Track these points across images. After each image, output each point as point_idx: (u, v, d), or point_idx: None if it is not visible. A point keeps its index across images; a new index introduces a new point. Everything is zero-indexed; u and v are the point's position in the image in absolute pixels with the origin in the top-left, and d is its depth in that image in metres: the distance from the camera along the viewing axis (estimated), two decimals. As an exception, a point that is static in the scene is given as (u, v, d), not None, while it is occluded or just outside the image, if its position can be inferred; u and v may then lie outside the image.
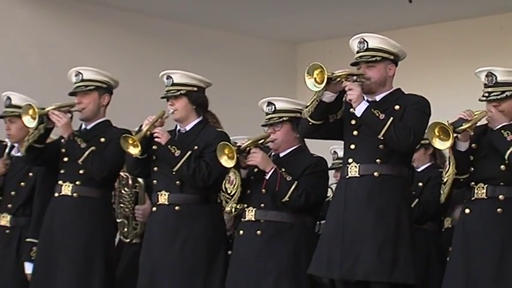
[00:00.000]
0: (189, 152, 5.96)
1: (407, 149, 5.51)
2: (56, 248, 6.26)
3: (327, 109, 5.49)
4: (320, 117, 5.51)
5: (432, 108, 5.53)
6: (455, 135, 5.23)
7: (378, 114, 5.38)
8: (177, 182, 6.03)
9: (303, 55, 10.40)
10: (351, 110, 5.49)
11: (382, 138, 5.38)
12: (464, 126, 5.24)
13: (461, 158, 5.34)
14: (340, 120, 5.59)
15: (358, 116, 5.43)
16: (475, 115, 5.37)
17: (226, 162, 5.77)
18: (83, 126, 6.42)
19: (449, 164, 5.34)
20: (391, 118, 5.37)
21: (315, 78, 5.37)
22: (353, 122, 5.52)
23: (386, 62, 5.54)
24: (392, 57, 5.55)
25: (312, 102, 5.49)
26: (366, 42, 5.53)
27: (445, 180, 5.36)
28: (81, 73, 6.37)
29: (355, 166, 5.50)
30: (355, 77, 5.46)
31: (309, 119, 5.52)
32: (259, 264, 5.81)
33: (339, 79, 5.41)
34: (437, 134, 5.22)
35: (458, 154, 5.32)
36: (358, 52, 5.55)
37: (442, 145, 5.27)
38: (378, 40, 5.54)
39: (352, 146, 5.54)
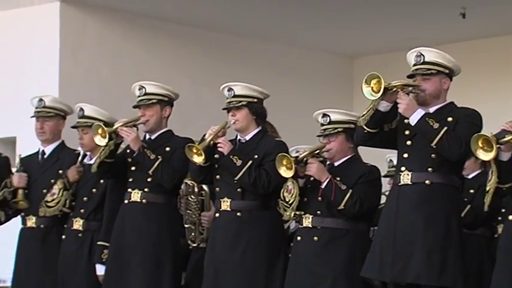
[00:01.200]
0: (250, 162, 6.01)
1: (459, 158, 5.51)
2: (126, 251, 6.34)
3: (382, 118, 5.54)
4: (375, 126, 5.55)
5: (484, 121, 5.56)
6: (498, 146, 5.18)
7: (432, 124, 5.40)
8: (239, 189, 6.08)
9: (360, 69, 10.35)
10: (405, 120, 5.52)
11: (434, 146, 5.40)
12: (507, 138, 5.19)
13: (503, 167, 5.28)
14: (395, 129, 5.62)
15: (413, 124, 5.46)
16: None
17: (285, 172, 5.81)
18: (147, 137, 6.50)
19: (491, 173, 5.30)
20: (445, 128, 5.39)
21: (372, 88, 5.41)
22: (407, 132, 5.55)
23: (441, 76, 5.56)
24: (447, 71, 5.58)
25: (368, 110, 5.54)
26: (423, 55, 5.56)
27: (487, 189, 5.32)
28: (144, 87, 6.45)
29: (408, 174, 5.53)
30: (410, 88, 5.49)
31: (365, 127, 5.56)
32: (316, 268, 5.85)
33: (395, 89, 5.46)
34: (481, 145, 5.19)
35: (500, 164, 5.27)
36: (414, 65, 5.58)
37: (486, 156, 5.21)
38: (434, 54, 5.58)
39: (405, 155, 5.58)
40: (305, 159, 5.88)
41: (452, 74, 5.65)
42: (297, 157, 5.86)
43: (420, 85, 5.54)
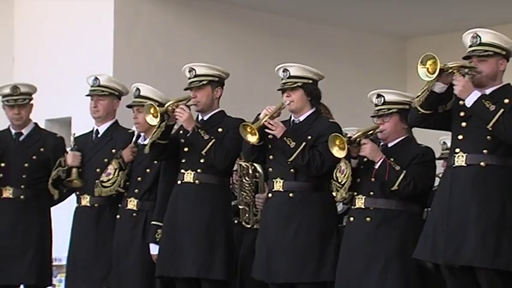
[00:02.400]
0: (304, 143, 6.00)
1: None
2: (180, 231, 6.36)
3: (437, 99, 5.49)
4: (430, 107, 5.51)
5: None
6: None
7: (488, 106, 5.34)
8: (291, 170, 6.07)
9: (413, 50, 10.28)
10: (460, 102, 5.46)
11: (490, 129, 5.33)
12: None
13: None
14: (449, 111, 5.56)
15: (469, 106, 5.40)
16: None
17: (338, 152, 5.79)
18: (200, 117, 6.50)
19: None
20: (501, 110, 5.32)
21: (428, 69, 5.36)
22: (462, 113, 5.49)
23: (498, 57, 5.49)
24: (504, 52, 5.51)
25: (423, 92, 5.50)
26: (479, 37, 5.49)
27: None
28: (194, 69, 6.45)
29: (462, 156, 5.48)
30: (466, 70, 5.43)
31: (419, 108, 5.52)
32: (369, 249, 5.83)
33: (450, 70, 5.40)
34: None
35: None
36: (470, 46, 5.51)
37: None
38: (491, 35, 5.51)
39: (460, 137, 5.52)
40: (358, 139, 5.84)
41: (509, 55, 5.56)
42: (350, 137, 5.83)
43: (476, 67, 5.47)
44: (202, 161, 6.34)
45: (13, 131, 7.19)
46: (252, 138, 6.03)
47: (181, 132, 6.44)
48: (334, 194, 5.98)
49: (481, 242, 5.33)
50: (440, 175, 6.20)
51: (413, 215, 5.89)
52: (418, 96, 5.54)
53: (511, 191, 5.49)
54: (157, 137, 6.31)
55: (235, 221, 6.92)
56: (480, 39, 5.49)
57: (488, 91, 5.50)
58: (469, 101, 5.41)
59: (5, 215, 7.06)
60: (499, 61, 5.50)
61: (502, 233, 5.36)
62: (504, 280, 5.39)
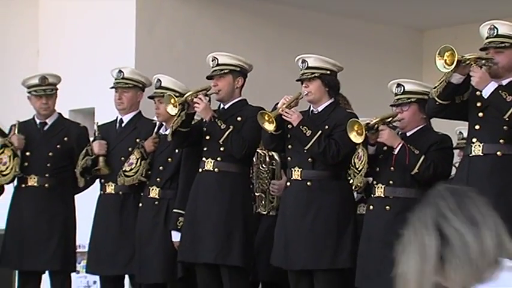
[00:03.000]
0: (320, 132, 6.00)
1: None
2: (200, 218, 6.38)
3: (454, 90, 5.50)
4: (447, 98, 5.52)
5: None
6: None
7: (505, 96, 5.35)
8: (309, 159, 6.08)
9: (430, 41, 10.20)
10: (477, 92, 5.47)
11: (507, 119, 5.35)
12: None
13: None
14: (466, 101, 5.57)
15: (485, 97, 5.41)
16: None
17: (355, 138, 5.79)
18: (221, 106, 6.53)
19: None
20: None
21: (445, 60, 5.37)
22: (478, 104, 5.50)
23: None
24: None
25: (441, 83, 5.51)
26: (496, 28, 5.50)
27: None
28: (217, 58, 6.47)
29: (479, 145, 5.50)
30: (483, 61, 5.44)
31: (436, 98, 5.53)
32: (387, 237, 5.74)
33: (468, 62, 5.40)
34: None
35: None
36: (487, 38, 5.52)
37: None
38: (507, 27, 5.52)
39: (477, 127, 5.53)
40: (376, 125, 5.85)
41: None
42: (368, 123, 5.83)
43: (493, 58, 5.48)
44: (221, 149, 6.35)
45: (38, 121, 7.21)
46: (270, 127, 6.05)
47: (204, 120, 6.46)
48: (351, 180, 5.98)
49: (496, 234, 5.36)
50: (456, 164, 6.21)
51: (433, 205, 5.92)
52: (435, 87, 5.55)
53: None
54: (178, 125, 6.33)
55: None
56: (497, 31, 5.50)
57: (504, 82, 5.50)
58: (486, 92, 5.42)
59: (30, 203, 7.09)
60: None
61: None
62: None
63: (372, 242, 5.88)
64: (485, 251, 2.38)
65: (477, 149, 5.51)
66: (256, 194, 6.88)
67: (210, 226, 6.34)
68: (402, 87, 5.95)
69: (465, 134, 6.41)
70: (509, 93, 5.40)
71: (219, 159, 6.39)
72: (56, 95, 7.22)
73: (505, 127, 5.43)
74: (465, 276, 2.37)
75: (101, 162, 6.96)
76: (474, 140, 5.53)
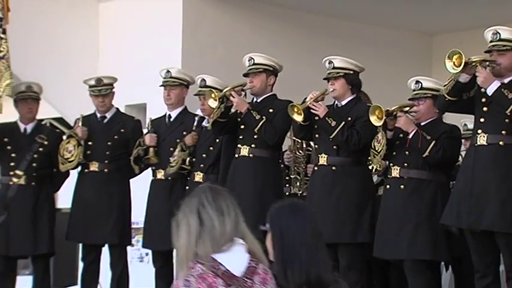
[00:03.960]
0: (343, 123, 6.00)
1: None
2: (237, 197, 6.35)
3: (462, 88, 5.49)
4: (455, 95, 5.51)
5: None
6: None
7: (507, 94, 5.33)
8: (334, 147, 6.08)
9: (438, 45, 10.09)
10: (482, 90, 5.45)
11: (509, 113, 5.33)
12: None
13: None
14: (472, 97, 5.55)
15: (490, 94, 5.39)
16: None
17: (376, 121, 5.81)
18: (254, 100, 6.53)
19: None
20: None
21: (454, 62, 5.37)
22: (483, 100, 5.48)
23: None
24: None
25: (450, 81, 5.51)
26: (499, 33, 5.49)
27: None
28: (253, 58, 6.49)
29: (484, 136, 5.46)
30: (487, 63, 5.43)
31: (446, 95, 5.53)
32: (402, 213, 5.81)
33: (474, 63, 5.41)
34: None
35: None
36: (491, 41, 5.50)
37: None
38: (509, 32, 5.50)
39: (482, 120, 5.50)
40: (395, 112, 5.86)
41: None
42: (388, 110, 5.83)
43: (496, 60, 5.46)
44: (255, 137, 6.37)
45: (98, 115, 7.25)
46: (298, 118, 6.05)
47: (239, 112, 6.47)
48: (371, 165, 5.97)
49: (500, 210, 5.31)
50: (463, 153, 6.16)
51: (441, 184, 5.87)
52: (445, 85, 5.56)
53: None
54: (218, 116, 6.36)
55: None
56: (500, 36, 5.48)
57: (506, 80, 5.47)
58: (490, 90, 5.40)
59: (92, 186, 7.13)
60: None
61: None
62: None
63: (388, 216, 5.86)
64: (226, 232, 3.04)
65: (482, 139, 5.47)
66: (292, 176, 6.90)
67: (246, 204, 6.23)
68: (420, 84, 5.94)
69: (469, 126, 6.41)
70: (511, 90, 5.37)
71: (253, 146, 6.39)
72: (112, 93, 7.24)
73: (506, 120, 5.39)
74: (210, 248, 3.01)
75: (151, 153, 6.98)
76: (479, 131, 5.50)
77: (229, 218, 3.07)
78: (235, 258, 2.99)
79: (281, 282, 3.16)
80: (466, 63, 5.34)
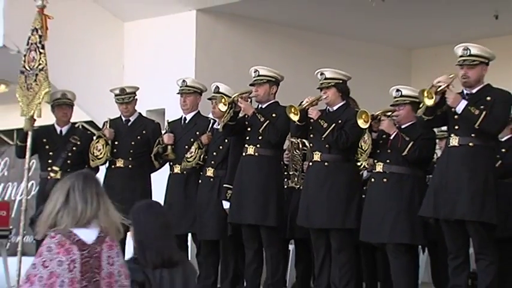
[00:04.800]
0: (334, 125, 6.01)
1: (496, 134, 5.51)
2: (244, 190, 6.39)
3: (433, 109, 5.50)
4: (431, 114, 5.52)
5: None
6: None
7: (473, 111, 5.33)
8: (326, 145, 6.07)
9: (417, 59, 10.06)
10: (452, 109, 5.48)
11: (477, 127, 5.35)
12: None
13: None
14: (445, 112, 5.56)
15: (459, 112, 5.41)
16: None
17: (362, 124, 5.81)
18: (259, 106, 6.52)
19: None
20: (484, 112, 5.30)
21: (427, 96, 5.41)
22: (455, 116, 5.49)
23: (482, 65, 5.47)
24: (486, 61, 5.50)
25: (423, 106, 5.54)
26: (469, 49, 5.47)
27: None
28: (258, 70, 6.43)
29: (456, 138, 5.48)
30: (450, 87, 5.44)
31: (423, 116, 5.54)
32: (384, 203, 5.83)
33: (441, 89, 5.42)
34: None
35: None
36: (461, 56, 5.49)
37: None
38: (477, 48, 5.50)
39: (456, 127, 5.51)
40: (379, 116, 5.88)
41: (489, 62, 5.55)
42: (373, 114, 5.84)
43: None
44: (260, 138, 6.35)
45: (123, 119, 7.27)
46: (294, 117, 6.04)
47: (246, 116, 6.48)
48: (359, 159, 5.96)
49: (471, 203, 5.32)
50: (438, 151, 6.20)
51: (419, 178, 5.88)
52: (420, 108, 5.59)
53: (492, 164, 5.51)
54: (228, 120, 6.36)
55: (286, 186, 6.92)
56: (470, 52, 5.47)
57: (474, 90, 5.48)
58: (458, 109, 5.42)
59: (118, 179, 7.12)
60: (483, 68, 5.48)
61: (486, 196, 5.34)
62: (486, 230, 5.39)
63: (373, 205, 5.87)
64: (85, 216, 3.23)
65: (454, 141, 5.48)
66: (290, 172, 6.88)
67: (252, 196, 6.34)
68: (400, 92, 5.94)
69: (443, 127, 6.41)
70: (477, 100, 5.37)
71: (258, 146, 6.37)
72: (134, 100, 7.25)
73: (476, 127, 5.40)
74: (70, 223, 3.23)
75: (169, 150, 6.99)
76: (452, 134, 5.52)
77: (91, 206, 3.25)
78: (88, 232, 3.25)
79: (141, 262, 3.58)
80: (436, 92, 5.38)
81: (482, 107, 5.36)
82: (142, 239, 3.62)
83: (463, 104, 5.39)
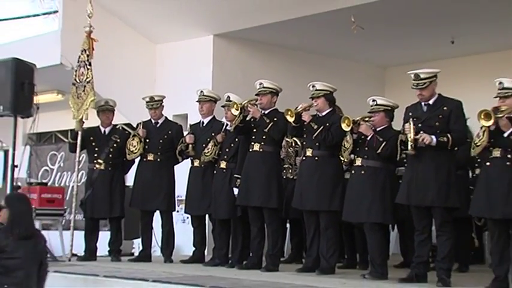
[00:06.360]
0: (322, 127, 5.94)
1: (465, 140, 5.37)
2: (250, 179, 6.31)
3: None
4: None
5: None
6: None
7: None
8: (316, 143, 6.01)
9: (390, 76, 9.99)
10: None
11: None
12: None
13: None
14: None
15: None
16: None
17: (346, 127, 5.74)
18: (263, 112, 6.37)
19: (483, 134, 5.03)
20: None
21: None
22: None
23: (433, 82, 5.33)
24: (435, 78, 5.33)
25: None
26: (419, 75, 5.32)
27: (478, 144, 5.06)
28: (262, 83, 6.36)
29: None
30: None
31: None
32: (362, 191, 5.76)
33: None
34: (483, 117, 4.91)
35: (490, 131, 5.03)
36: (414, 80, 5.33)
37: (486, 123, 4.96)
38: (425, 73, 5.33)
39: (421, 132, 5.36)
40: (358, 121, 5.82)
41: (436, 78, 5.39)
42: (354, 119, 5.78)
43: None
44: (264, 137, 6.28)
45: (153, 121, 7.23)
46: (290, 119, 5.98)
47: (252, 119, 6.39)
48: (342, 155, 5.91)
49: (438, 191, 5.22)
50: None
51: (390, 171, 5.81)
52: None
53: (453, 159, 5.37)
54: (238, 122, 6.31)
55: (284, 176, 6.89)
56: (419, 77, 5.32)
57: (431, 101, 5.34)
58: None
59: (148, 170, 7.10)
60: (433, 83, 5.34)
61: (450, 187, 5.23)
62: (448, 212, 5.29)
63: (353, 192, 5.79)
64: None
65: (422, 143, 5.24)
66: (285, 165, 6.87)
67: (256, 184, 6.28)
68: (376, 101, 5.86)
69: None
70: (436, 108, 5.25)
71: (262, 143, 6.30)
72: (162, 106, 7.21)
73: (437, 130, 5.28)
74: None
75: (190, 148, 6.95)
76: (417, 136, 5.29)
77: None
78: None
79: (9, 233, 4.15)
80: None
81: (441, 116, 5.25)
82: (15, 218, 4.20)
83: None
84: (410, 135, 5.20)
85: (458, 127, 5.25)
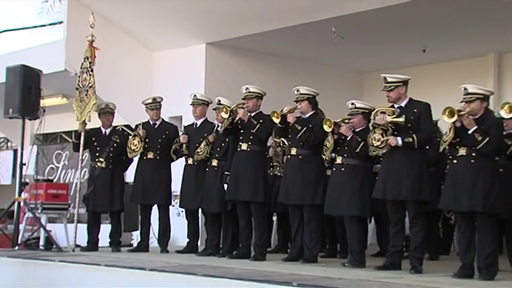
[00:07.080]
0: (305, 128, 5.90)
1: (432, 138, 5.47)
2: (239, 175, 6.23)
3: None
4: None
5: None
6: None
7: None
8: (300, 143, 5.97)
9: (368, 82, 10.00)
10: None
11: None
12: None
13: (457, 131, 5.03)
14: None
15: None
16: None
17: (327, 128, 5.70)
18: (249, 114, 6.26)
19: (449, 131, 5.01)
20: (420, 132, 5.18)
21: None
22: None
23: (399, 87, 5.33)
24: (401, 83, 5.35)
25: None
26: (386, 78, 5.35)
27: (445, 140, 5.03)
28: (248, 88, 6.30)
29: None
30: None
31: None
32: (342, 186, 5.73)
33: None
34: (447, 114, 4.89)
35: (456, 128, 5.00)
36: (384, 83, 5.36)
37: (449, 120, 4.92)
38: (391, 77, 5.35)
39: (396, 133, 5.34)
40: (339, 123, 5.78)
41: (407, 82, 5.38)
42: (335, 121, 5.75)
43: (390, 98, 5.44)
44: (251, 137, 6.22)
45: (151, 122, 7.16)
46: (276, 120, 5.93)
47: (240, 121, 6.30)
48: (324, 154, 5.87)
49: (411, 187, 5.21)
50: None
51: (367, 168, 5.78)
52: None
53: (424, 156, 5.35)
54: (227, 125, 6.25)
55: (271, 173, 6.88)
56: (386, 80, 5.35)
57: (403, 104, 5.34)
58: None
59: (148, 168, 7.04)
60: (400, 88, 5.33)
61: (422, 181, 5.23)
62: (420, 206, 5.28)
63: (334, 188, 5.77)
64: None
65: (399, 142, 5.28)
66: (274, 164, 6.86)
67: (245, 180, 6.23)
68: (354, 105, 5.83)
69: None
70: (407, 111, 5.24)
71: (249, 143, 6.23)
72: (160, 108, 7.16)
73: (410, 131, 5.27)
74: None
75: (184, 147, 6.90)
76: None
77: None
78: None
79: None
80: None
81: (412, 118, 5.23)
82: None
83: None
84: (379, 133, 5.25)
85: (426, 126, 5.26)
